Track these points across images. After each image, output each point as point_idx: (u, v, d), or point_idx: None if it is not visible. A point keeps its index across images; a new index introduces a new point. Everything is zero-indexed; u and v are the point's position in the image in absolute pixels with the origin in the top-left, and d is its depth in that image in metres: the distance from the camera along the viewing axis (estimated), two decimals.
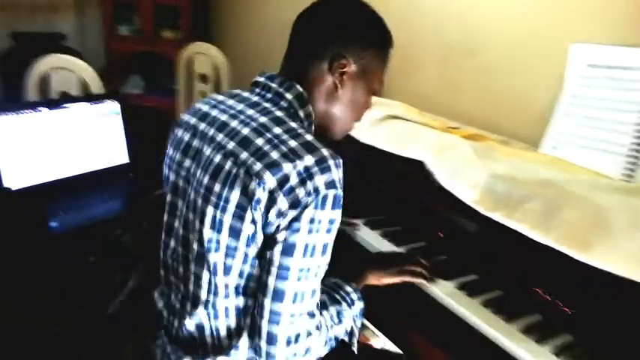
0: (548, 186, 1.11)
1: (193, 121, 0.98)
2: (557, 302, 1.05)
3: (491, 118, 1.58)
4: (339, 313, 0.98)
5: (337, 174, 0.85)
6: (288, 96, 0.94)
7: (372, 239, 1.36)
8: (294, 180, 0.82)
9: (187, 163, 0.94)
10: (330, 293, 1.00)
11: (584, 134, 1.27)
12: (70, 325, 1.11)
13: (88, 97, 1.75)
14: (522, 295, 1.12)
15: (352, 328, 1.02)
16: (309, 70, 0.96)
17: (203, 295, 0.92)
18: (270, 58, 1.33)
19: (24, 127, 1.48)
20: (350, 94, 0.98)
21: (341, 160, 0.87)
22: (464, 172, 1.23)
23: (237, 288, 0.91)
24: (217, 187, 0.87)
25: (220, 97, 1.00)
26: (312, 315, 0.90)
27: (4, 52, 3.04)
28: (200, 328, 0.94)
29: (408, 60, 1.85)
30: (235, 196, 0.85)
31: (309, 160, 0.83)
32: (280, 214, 0.82)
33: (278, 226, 0.83)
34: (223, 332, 0.93)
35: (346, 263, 1.19)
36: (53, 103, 1.55)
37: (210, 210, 0.88)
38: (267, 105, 0.94)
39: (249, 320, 0.91)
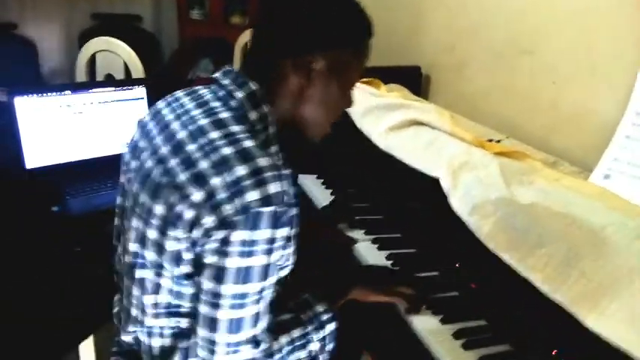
0: (579, 227, 0.88)
1: (147, 118, 0.89)
2: None
3: (542, 131, 1.33)
4: (302, 337, 0.86)
5: (276, 187, 0.71)
6: (239, 95, 0.82)
7: (374, 259, 1.20)
8: (221, 195, 0.70)
9: (133, 164, 0.86)
10: (297, 313, 0.88)
11: None
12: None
13: (117, 81, 1.74)
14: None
15: (316, 353, 0.89)
16: (272, 67, 0.83)
17: (134, 311, 0.85)
18: None
19: (47, 109, 1.49)
20: (320, 93, 0.84)
21: (286, 172, 0.74)
22: (481, 197, 1.03)
23: (168, 308, 0.81)
24: (143, 197, 0.78)
25: (181, 94, 0.90)
26: (256, 343, 0.78)
27: (85, 32, 3.19)
28: (137, 343, 0.88)
29: (455, 57, 1.63)
30: (159, 209, 0.75)
31: (240, 171, 0.71)
32: (206, 234, 0.71)
33: (205, 248, 0.72)
34: (157, 352, 0.85)
35: (331, 273, 1.07)
36: (78, 87, 1.54)
37: (134, 222, 0.80)
38: (214, 105, 0.82)
39: (186, 343, 0.83)
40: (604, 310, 0.74)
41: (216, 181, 0.71)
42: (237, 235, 0.70)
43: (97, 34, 3.26)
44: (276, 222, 0.72)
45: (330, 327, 0.90)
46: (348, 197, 1.46)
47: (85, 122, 1.55)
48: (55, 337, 1.12)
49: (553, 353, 0.88)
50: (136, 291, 0.83)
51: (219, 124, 0.78)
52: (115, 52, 1.95)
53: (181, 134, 0.78)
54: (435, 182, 1.13)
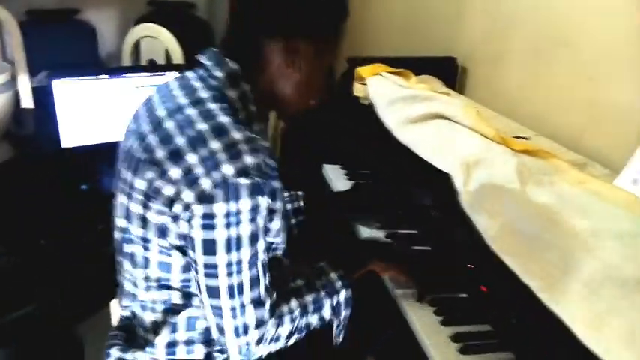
0: (592, 236, 0.82)
1: (142, 103, 0.92)
2: None
3: (576, 130, 1.24)
4: (315, 302, 0.89)
5: (252, 159, 0.74)
6: (218, 74, 0.83)
7: None
8: (198, 169, 0.73)
9: (124, 144, 0.89)
10: (310, 280, 0.91)
11: None
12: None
13: (150, 67, 1.79)
14: None
15: (332, 318, 0.92)
16: (254, 47, 0.84)
17: (127, 285, 0.89)
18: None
19: (84, 92, 1.56)
20: (302, 74, 0.86)
21: (262, 144, 0.76)
22: (491, 196, 0.97)
23: (159, 281, 0.85)
24: (125, 173, 0.82)
25: (172, 79, 0.93)
26: (260, 303, 0.81)
27: (141, 18, 3.30)
28: (130, 318, 0.92)
29: (492, 49, 1.55)
30: (140, 184, 0.78)
31: (215, 145, 0.73)
32: (187, 208, 0.74)
33: (192, 224, 0.75)
34: (149, 325, 0.88)
35: (350, 244, 1.08)
36: (113, 72, 1.60)
37: (121, 197, 0.84)
38: (195, 84, 0.84)
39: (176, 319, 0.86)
40: (601, 327, 0.68)
41: (192, 157, 0.73)
42: (219, 208, 0.72)
43: (152, 20, 3.39)
44: (256, 191, 0.74)
45: (344, 294, 0.92)
46: (368, 188, 1.44)
47: (120, 106, 1.61)
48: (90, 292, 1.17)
49: None
50: (127, 265, 0.87)
51: (197, 102, 0.80)
52: (158, 38, 2.01)
53: (161, 113, 0.81)
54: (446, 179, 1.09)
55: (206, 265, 0.77)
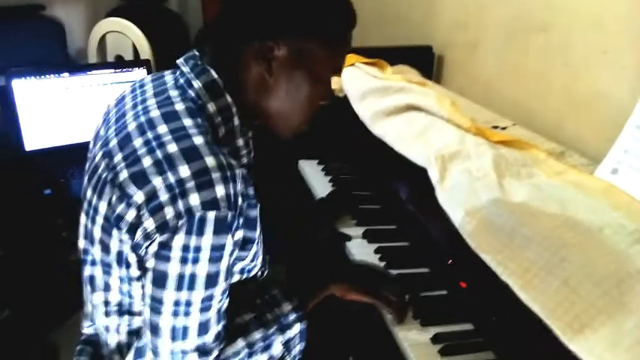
0: (571, 228, 0.79)
1: (112, 104, 0.85)
2: None
3: (554, 118, 1.22)
4: (264, 339, 0.80)
5: (224, 190, 0.65)
6: (196, 84, 0.75)
7: (365, 255, 1.13)
8: (163, 196, 0.65)
9: (93, 152, 0.82)
10: (261, 312, 0.82)
11: None
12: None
13: (115, 63, 1.72)
14: None
15: (282, 355, 0.84)
16: (232, 54, 0.76)
17: (87, 307, 0.83)
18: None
19: (46, 91, 1.49)
20: (285, 85, 0.77)
21: (237, 172, 0.68)
22: (468, 191, 0.94)
23: (120, 306, 0.78)
24: (89, 193, 0.74)
25: (148, 78, 0.84)
26: (204, 353, 0.72)
27: (112, 12, 3.20)
28: (94, 336, 0.86)
29: (469, 36, 1.51)
30: (103, 207, 0.71)
31: (184, 171, 0.65)
32: (147, 237, 0.66)
33: (147, 251, 0.67)
34: (113, 347, 0.82)
35: (308, 267, 1.02)
36: (75, 69, 1.53)
37: (82, 217, 0.77)
38: (172, 93, 0.76)
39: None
40: (582, 329, 0.65)
41: (157, 181, 0.65)
42: (178, 240, 0.64)
43: (122, 14, 3.29)
44: (223, 227, 0.66)
45: (298, 327, 0.84)
46: (347, 187, 1.40)
47: (85, 105, 1.54)
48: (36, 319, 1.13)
49: None
50: (87, 288, 0.80)
51: (170, 117, 0.72)
52: (124, 33, 1.93)
53: (131, 126, 0.73)
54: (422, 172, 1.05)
55: (153, 298, 0.68)
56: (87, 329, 0.88)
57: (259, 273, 0.88)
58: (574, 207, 0.84)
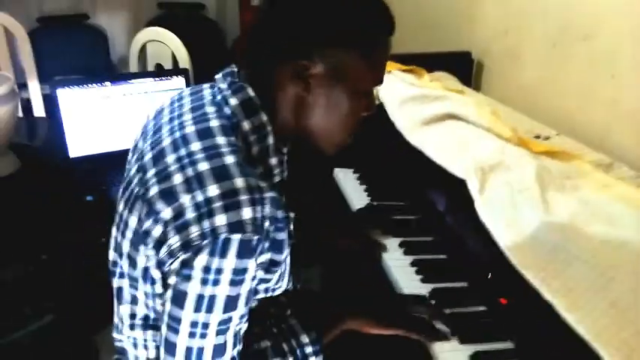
0: (619, 247, 0.75)
1: (152, 115, 0.86)
2: None
3: (599, 126, 1.17)
4: None
5: (252, 213, 0.64)
6: (233, 102, 0.75)
7: (400, 268, 1.11)
8: (189, 214, 0.64)
9: (130, 164, 0.83)
10: (279, 340, 0.80)
11: None
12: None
13: (154, 72, 1.75)
14: None
15: None
16: (268, 72, 0.74)
17: (115, 319, 0.83)
18: None
19: (89, 100, 1.54)
20: (325, 101, 0.75)
21: (267, 195, 0.67)
22: (508, 203, 0.91)
23: (146, 320, 0.79)
24: (121, 206, 0.75)
25: (187, 92, 0.85)
26: None
27: (152, 20, 3.29)
28: (124, 350, 0.86)
29: (509, 43, 1.47)
30: (133, 221, 0.71)
31: (212, 190, 0.64)
32: (171, 254, 0.65)
33: (170, 268, 0.66)
34: None
35: (330, 296, 0.99)
36: (117, 78, 1.57)
37: (114, 230, 0.77)
38: (208, 109, 0.76)
39: None
40: (633, 355, 0.62)
41: (185, 198, 0.65)
42: (200, 260, 0.64)
43: (162, 22, 3.37)
44: (247, 251, 0.65)
45: None
46: (383, 198, 1.37)
47: (126, 113, 1.58)
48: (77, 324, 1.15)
49: None
50: (115, 300, 0.81)
51: (204, 134, 0.71)
52: (164, 42, 1.97)
53: (166, 141, 0.73)
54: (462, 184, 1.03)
55: (170, 317, 0.67)
56: (118, 343, 0.88)
57: (282, 295, 0.86)
58: (622, 223, 0.80)
